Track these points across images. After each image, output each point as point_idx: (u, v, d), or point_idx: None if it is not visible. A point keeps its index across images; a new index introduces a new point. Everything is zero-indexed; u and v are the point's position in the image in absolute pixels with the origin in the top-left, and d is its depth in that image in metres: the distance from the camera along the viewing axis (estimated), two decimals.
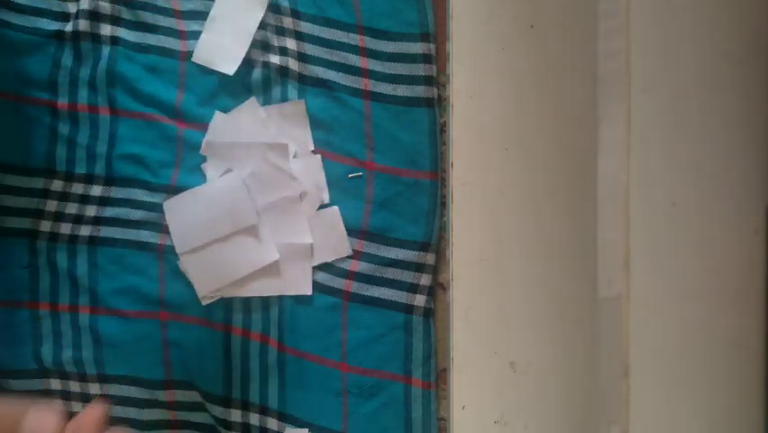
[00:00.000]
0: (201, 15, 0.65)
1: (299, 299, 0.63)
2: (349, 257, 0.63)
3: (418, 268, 0.63)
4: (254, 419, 0.64)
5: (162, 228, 0.64)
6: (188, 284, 0.64)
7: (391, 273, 0.63)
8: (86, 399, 0.65)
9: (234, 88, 0.64)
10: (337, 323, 0.63)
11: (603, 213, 0.32)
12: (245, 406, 0.64)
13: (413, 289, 0.63)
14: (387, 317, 0.63)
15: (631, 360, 0.30)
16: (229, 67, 0.64)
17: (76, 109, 0.65)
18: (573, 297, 0.46)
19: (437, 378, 0.63)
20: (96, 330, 0.64)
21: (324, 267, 0.63)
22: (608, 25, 0.31)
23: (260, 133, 0.64)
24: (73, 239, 0.64)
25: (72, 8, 0.65)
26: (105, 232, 0.64)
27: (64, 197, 0.64)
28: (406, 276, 0.63)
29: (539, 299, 0.47)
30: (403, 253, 0.63)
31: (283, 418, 0.64)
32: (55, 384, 0.65)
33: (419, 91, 0.63)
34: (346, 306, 0.63)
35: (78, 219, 0.64)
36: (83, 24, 0.64)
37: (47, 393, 0.65)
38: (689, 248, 0.31)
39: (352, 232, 0.63)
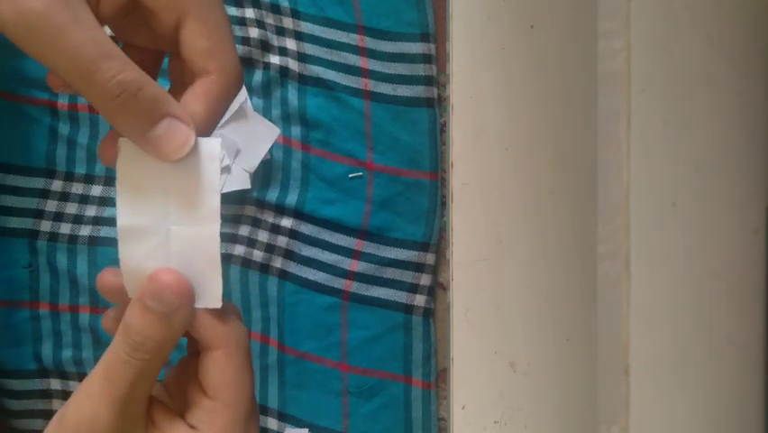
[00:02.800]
0: None
1: (299, 299, 0.63)
2: (349, 257, 0.63)
3: (418, 268, 0.63)
4: None
5: None
6: None
7: (391, 273, 0.63)
8: None
9: None
10: (337, 323, 0.63)
11: (603, 213, 0.32)
12: None
13: (413, 289, 0.63)
14: (386, 318, 0.63)
15: (631, 360, 0.30)
16: None
17: (76, 109, 0.64)
18: (573, 297, 0.46)
19: (437, 378, 0.63)
20: (96, 330, 0.64)
21: (324, 267, 0.63)
22: (607, 25, 0.31)
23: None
24: (73, 239, 0.64)
25: None
26: (106, 232, 0.64)
27: (64, 197, 0.64)
28: (406, 276, 0.63)
29: (539, 299, 0.47)
30: (403, 253, 0.63)
31: (283, 418, 0.64)
32: (55, 384, 0.65)
33: (419, 91, 0.63)
34: (346, 306, 0.63)
35: (78, 219, 0.64)
36: None
37: (47, 393, 0.65)
38: (689, 248, 0.31)
39: (351, 232, 0.63)
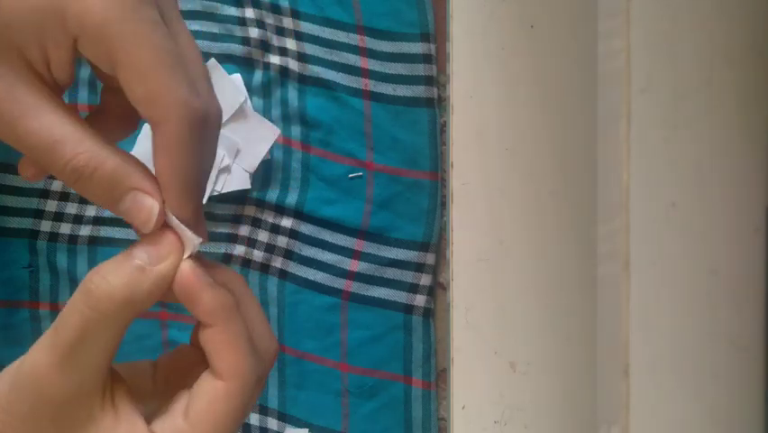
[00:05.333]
0: (201, 15, 0.65)
1: (299, 299, 0.63)
2: (349, 257, 0.63)
3: (418, 268, 0.63)
4: (254, 419, 0.64)
5: None
6: None
7: (391, 273, 0.63)
8: None
9: None
10: (337, 323, 0.63)
11: (603, 213, 0.32)
12: None
13: (413, 289, 0.63)
14: (386, 318, 0.63)
15: (631, 360, 0.30)
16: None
17: (76, 109, 0.65)
18: (573, 297, 0.46)
19: (437, 378, 0.63)
20: None
21: (324, 267, 0.63)
22: (607, 25, 0.31)
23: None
24: (73, 239, 0.64)
25: None
26: (106, 232, 0.64)
27: (64, 197, 0.64)
28: (406, 276, 0.63)
29: (539, 299, 0.47)
30: (403, 253, 0.63)
31: (283, 418, 0.64)
32: None
33: (419, 91, 0.63)
34: (346, 306, 0.63)
35: (78, 219, 0.64)
36: None
37: None
38: (689, 248, 0.31)
39: (351, 232, 0.63)
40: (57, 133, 0.25)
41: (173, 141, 0.25)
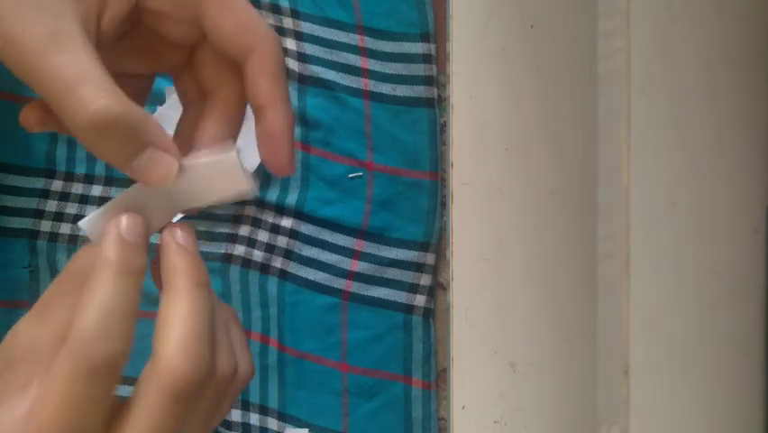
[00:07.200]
0: None
1: (299, 299, 0.63)
2: (349, 257, 0.63)
3: (418, 268, 0.63)
4: (254, 419, 0.64)
5: None
6: None
7: (391, 273, 0.63)
8: None
9: None
10: (337, 323, 0.63)
11: (603, 213, 0.32)
12: (245, 406, 0.64)
13: (413, 289, 0.63)
14: (386, 318, 0.63)
15: (631, 360, 0.30)
16: None
17: None
18: (573, 297, 0.46)
19: (437, 378, 0.63)
20: None
21: (324, 267, 0.63)
22: (607, 25, 0.31)
23: None
24: (73, 239, 0.64)
25: None
26: None
27: (64, 197, 0.64)
28: (406, 276, 0.63)
29: (539, 299, 0.47)
30: (403, 253, 0.63)
31: (283, 418, 0.64)
32: None
33: (419, 91, 0.63)
34: (346, 306, 0.63)
35: (79, 219, 0.64)
36: None
37: None
38: (689, 248, 0.31)
39: (351, 232, 0.63)
40: (85, 69, 0.23)
41: (270, 60, 0.26)
